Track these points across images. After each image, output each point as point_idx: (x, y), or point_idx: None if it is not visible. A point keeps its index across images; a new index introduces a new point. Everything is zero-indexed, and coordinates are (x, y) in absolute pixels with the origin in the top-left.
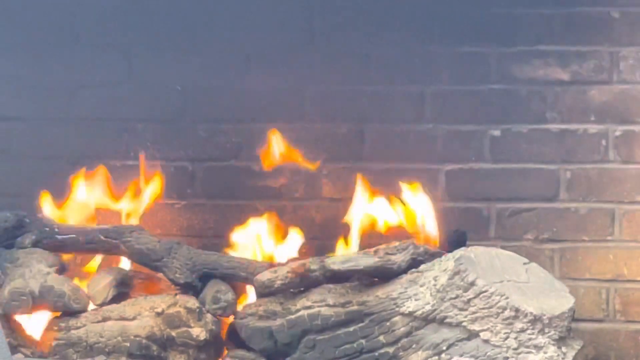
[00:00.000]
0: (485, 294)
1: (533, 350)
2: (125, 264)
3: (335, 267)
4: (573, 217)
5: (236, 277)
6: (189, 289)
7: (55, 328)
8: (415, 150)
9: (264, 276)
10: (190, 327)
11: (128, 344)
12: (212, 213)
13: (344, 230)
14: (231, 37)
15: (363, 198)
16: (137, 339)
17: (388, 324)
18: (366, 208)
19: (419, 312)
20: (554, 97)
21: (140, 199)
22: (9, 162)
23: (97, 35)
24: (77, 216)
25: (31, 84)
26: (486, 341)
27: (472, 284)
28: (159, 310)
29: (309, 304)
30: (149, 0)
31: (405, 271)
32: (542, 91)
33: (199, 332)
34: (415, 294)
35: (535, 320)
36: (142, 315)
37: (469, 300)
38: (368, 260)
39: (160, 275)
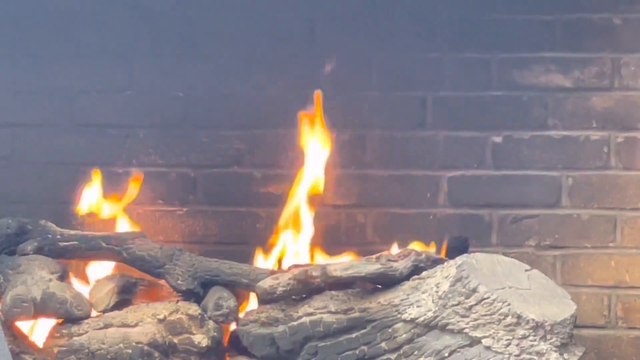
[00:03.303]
0: (487, 300)
1: (535, 357)
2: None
3: (337, 273)
4: (575, 224)
5: (238, 283)
6: (190, 295)
7: (58, 335)
8: (416, 157)
9: (266, 283)
10: (192, 333)
11: (130, 351)
12: (214, 220)
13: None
14: (232, 43)
15: None
16: (139, 345)
17: (390, 330)
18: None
19: (421, 319)
20: (556, 103)
21: None
22: (10, 169)
23: (98, 41)
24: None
25: (33, 90)
26: (488, 348)
27: (474, 290)
28: (161, 317)
29: (311, 310)
30: (151, 6)
31: (407, 278)
32: (544, 97)
33: (200, 338)
34: (417, 300)
35: (537, 326)
36: (144, 322)
37: (470, 307)
38: (370, 267)
39: (162, 282)
